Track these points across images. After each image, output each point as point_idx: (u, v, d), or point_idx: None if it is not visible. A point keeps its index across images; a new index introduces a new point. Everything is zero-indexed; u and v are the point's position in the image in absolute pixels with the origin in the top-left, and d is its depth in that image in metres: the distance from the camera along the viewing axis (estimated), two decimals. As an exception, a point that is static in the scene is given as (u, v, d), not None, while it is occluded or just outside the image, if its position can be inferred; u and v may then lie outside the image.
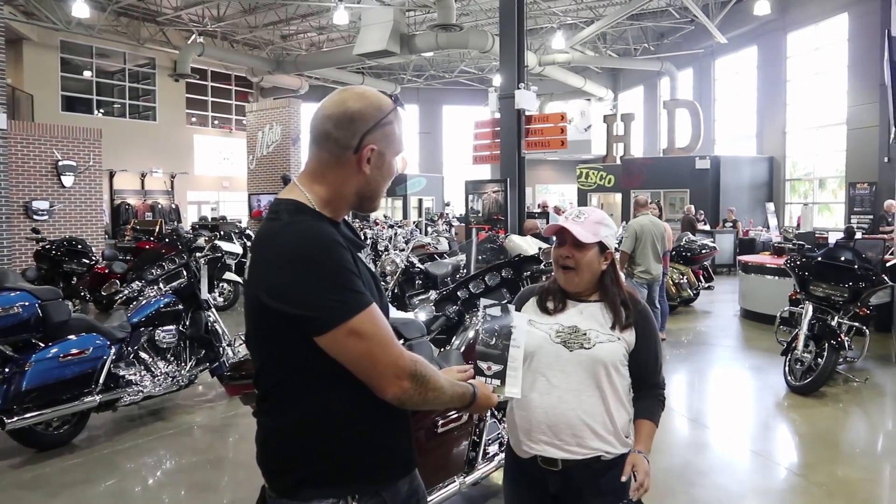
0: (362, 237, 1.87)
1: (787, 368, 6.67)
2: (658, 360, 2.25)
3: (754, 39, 21.72)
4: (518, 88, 10.22)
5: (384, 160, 1.70)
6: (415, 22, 23.47)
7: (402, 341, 3.35)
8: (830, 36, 19.30)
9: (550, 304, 2.23)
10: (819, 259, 7.06)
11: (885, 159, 15.41)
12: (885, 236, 10.29)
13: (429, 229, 17.17)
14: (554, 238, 2.23)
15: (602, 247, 2.19)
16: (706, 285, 11.69)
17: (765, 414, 6.39)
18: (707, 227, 16.42)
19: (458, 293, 4.63)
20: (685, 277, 11.10)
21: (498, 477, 4.26)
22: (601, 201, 23.58)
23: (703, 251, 11.69)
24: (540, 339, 2.16)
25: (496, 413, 4.08)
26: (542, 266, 4.69)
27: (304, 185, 1.68)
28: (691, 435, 5.85)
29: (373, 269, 1.77)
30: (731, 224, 17.30)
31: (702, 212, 17.68)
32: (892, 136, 8.21)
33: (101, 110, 24.24)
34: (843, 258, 6.98)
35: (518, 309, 2.24)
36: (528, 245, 7.82)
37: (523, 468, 2.21)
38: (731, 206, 18.48)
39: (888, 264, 8.11)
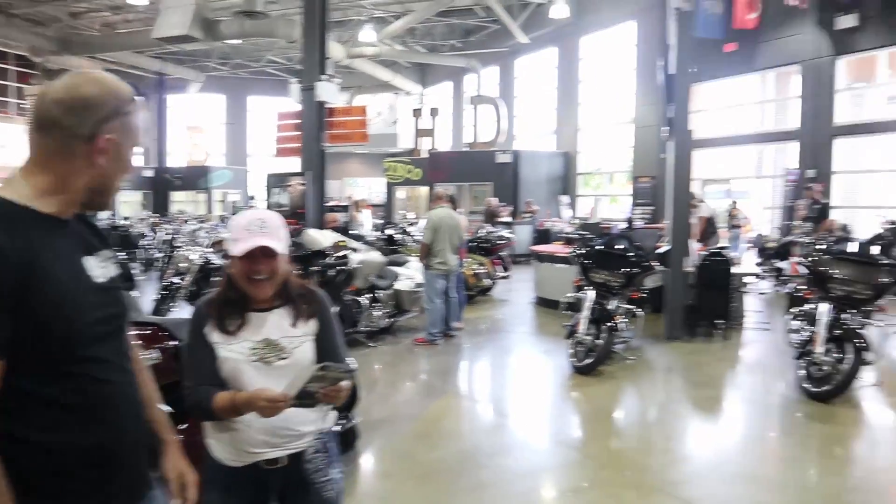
0: (105, 234, 1.66)
1: (570, 351, 7.10)
2: (341, 348, 2.26)
3: (553, 41, 22.96)
4: (319, 80, 10.06)
5: (121, 152, 1.56)
6: (220, 7, 22.42)
7: (175, 343, 3.18)
8: (621, 40, 20.87)
9: (231, 325, 2.12)
10: (598, 248, 7.60)
11: (661, 156, 16.87)
12: (660, 226, 11.28)
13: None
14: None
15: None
16: (503, 274, 12.20)
17: (550, 395, 6.79)
18: (509, 219, 17.16)
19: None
20: (484, 267, 11.51)
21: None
22: (408, 194, 23.92)
23: (500, 242, 12.20)
24: (236, 363, 2.09)
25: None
26: (330, 260, 4.64)
27: (23, 175, 1.51)
28: (481, 419, 6.08)
29: (101, 273, 1.61)
30: (530, 215, 18.19)
31: (504, 203, 18.47)
32: (664, 134, 8.98)
33: None
34: (618, 247, 7.56)
35: (200, 330, 2.13)
36: (324, 239, 7.74)
37: (238, 477, 2.15)
38: (531, 198, 19.48)
39: (659, 251, 8.89)
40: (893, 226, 11.68)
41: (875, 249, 6.51)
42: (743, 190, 18.36)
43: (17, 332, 1.38)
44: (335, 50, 22.53)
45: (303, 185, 10.91)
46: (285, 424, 2.08)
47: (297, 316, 2.16)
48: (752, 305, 10.57)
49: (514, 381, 7.47)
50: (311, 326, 2.18)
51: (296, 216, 10.95)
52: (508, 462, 4.92)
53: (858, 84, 15.44)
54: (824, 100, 14.71)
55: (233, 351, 2.10)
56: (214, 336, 2.12)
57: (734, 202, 16.01)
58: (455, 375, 7.48)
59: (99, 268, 1.61)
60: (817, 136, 14.80)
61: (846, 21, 13.89)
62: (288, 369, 2.07)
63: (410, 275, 8.98)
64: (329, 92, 10.40)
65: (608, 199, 22.19)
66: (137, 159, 1.66)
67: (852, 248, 6.58)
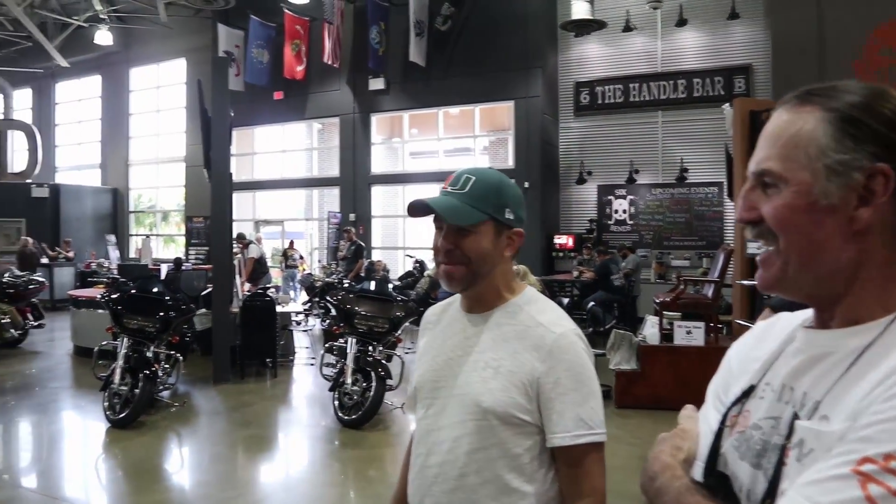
0: None
1: (106, 403, 6.53)
2: None
3: (98, 68, 21.39)
4: None
5: None
6: None
7: None
8: (171, 77, 20.32)
9: None
10: (132, 292, 7.16)
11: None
12: (209, 266, 11.14)
13: None
14: None
15: None
16: (35, 323, 10.80)
17: (84, 454, 6.13)
18: (45, 260, 15.32)
19: None
20: (8, 317, 10.03)
21: None
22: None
23: (31, 287, 10.78)
24: None
25: None
26: None
27: None
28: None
29: None
30: (63, 256, 16.45)
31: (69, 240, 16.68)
32: (206, 175, 8.92)
33: None
34: (153, 290, 7.23)
35: None
36: None
37: None
38: (75, 237, 17.69)
39: (206, 292, 8.76)
40: (419, 264, 13.41)
41: (392, 286, 7.34)
42: (297, 231, 19.26)
43: None
44: None
45: None
46: None
47: None
48: (301, 342, 11.04)
49: (44, 444, 6.54)
50: None
51: None
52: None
53: (394, 139, 17.47)
54: (361, 150, 16.30)
55: None
56: None
57: (291, 242, 16.68)
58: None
59: None
60: (357, 182, 16.30)
61: (376, 83, 15.72)
62: None
63: None
64: None
65: (163, 239, 21.28)
66: None
67: (372, 286, 7.35)
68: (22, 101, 23.55)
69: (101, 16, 18.55)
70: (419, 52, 14.88)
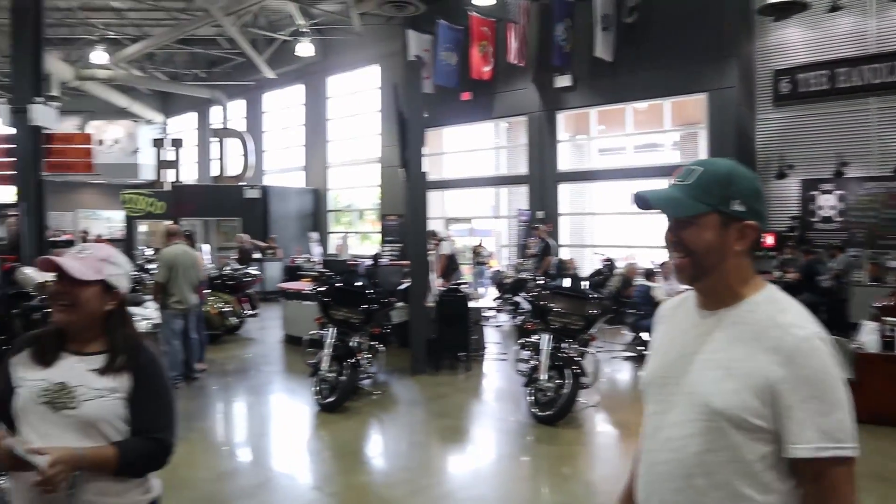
0: None
1: (315, 388, 7.02)
2: (162, 413, 2.04)
3: (301, 78, 22.98)
4: (34, 102, 9.03)
5: None
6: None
7: None
8: (366, 82, 21.45)
9: (44, 356, 1.98)
10: (338, 285, 7.63)
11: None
12: (404, 263, 11.62)
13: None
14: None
15: (107, 286, 2.02)
16: (251, 312, 11.81)
17: (295, 434, 6.63)
18: (258, 255, 16.70)
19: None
20: (230, 306, 11.06)
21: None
22: (151, 228, 22.37)
23: (247, 279, 11.81)
24: (25, 401, 1.92)
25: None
26: (33, 302, 4.14)
27: None
28: (221, 464, 5.75)
29: None
30: (272, 252, 17.81)
31: (275, 237, 18.21)
32: (401, 175, 9.31)
33: None
34: (357, 284, 7.65)
35: (8, 360, 2.01)
36: (41, 278, 6.92)
37: None
38: (281, 234, 19.17)
39: (402, 287, 9.14)
40: (609, 262, 13.15)
41: (586, 284, 7.23)
42: (486, 228, 19.62)
43: None
44: (61, 69, 20.68)
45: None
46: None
47: (106, 367, 1.95)
48: (492, 337, 11.22)
49: (260, 422, 7.19)
50: (120, 382, 1.97)
51: (16, 251, 9.72)
52: (247, 507, 4.70)
53: (579, 136, 17.30)
54: (548, 148, 16.27)
55: (27, 388, 1.93)
56: (20, 369, 1.99)
57: (480, 240, 17.02)
58: (197, 420, 7.00)
59: None
60: (544, 180, 16.29)
61: (562, 80, 15.60)
62: (73, 421, 1.89)
63: (147, 315, 8.36)
64: (46, 116, 9.34)
65: (359, 237, 22.52)
66: None
67: (567, 283, 7.29)
68: (236, 112, 25.92)
69: (303, 30, 19.93)
70: (606, 46, 14.59)
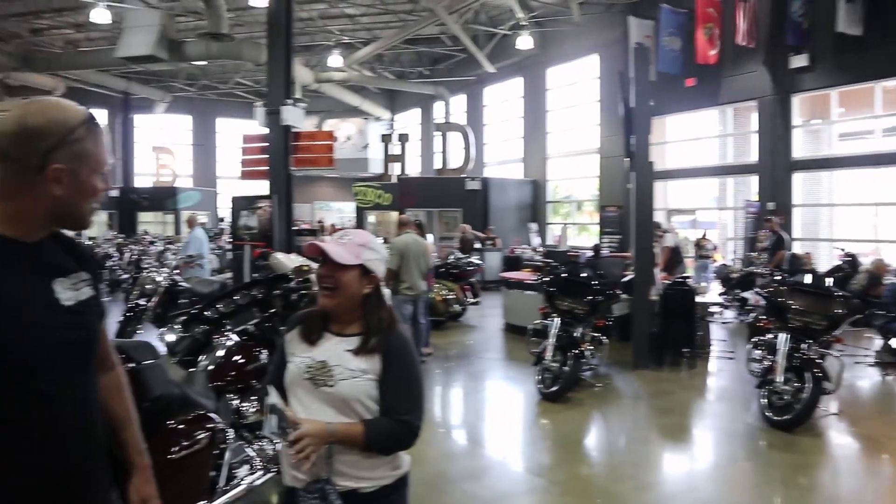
0: (88, 255, 1.70)
1: (538, 377, 7.12)
2: (409, 396, 2.13)
3: (520, 71, 23.29)
4: (285, 104, 10.06)
5: (78, 179, 1.56)
6: (185, 28, 22.37)
7: (131, 365, 3.09)
8: (585, 73, 21.27)
9: (310, 335, 2.18)
10: (563, 276, 7.66)
11: (628, 186, 17.17)
12: (626, 255, 11.41)
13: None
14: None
15: (365, 270, 2.15)
16: (473, 301, 12.21)
17: (517, 421, 6.79)
18: (478, 245, 17.20)
19: (207, 313, 4.41)
20: (453, 294, 11.52)
21: (262, 499, 4.11)
22: (379, 219, 23.92)
23: (470, 268, 12.23)
24: (292, 375, 2.13)
25: (246, 435, 3.93)
26: (291, 284, 4.61)
27: None
28: (448, 445, 6.05)
29: (72, 296, 1.61)
30: (490, 242, 18.20)
31: (493, 227, 18.73)
32: (626, 165, 9.13)
33: None
34: (582, 275, 7.64)
35: (283, 336, 2.25)
36: (291, 263, 7.69)
37: (287, 498, 2.15)
38: (500, 225, 19.58)
39: (624, 279, 8.99)
40: (850, 258, 11.96)
41: (829, 281, 6.65)
42: (709, 220, 18.69)
43: None
44: (303, 74, 22.58)
45: (272, 208, 10.86)
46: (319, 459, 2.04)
47: (360, 348, 2.12)
48: (717, 334, 10.70)
49: (481, 407, 7.46)
50: (372, 364, 2.09)
51: (266, 239, 10.90)
52: (475, 488, 4.91)
53: (814, 121, 15.90)
54: (781, 135, 15.10)
55: (295, 364, 2.14)
56: (293, 346, 2.20)
57: (704, 232, 16.26)
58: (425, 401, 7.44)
59: (68, 290, 1.61)
60: (776, 169, 15.16)
61: (798, 61, 14.36)
62: (331, 398, 2.06)
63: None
64: (295, 116, 10.39)
65: (577, 228, 22.44)
66: (106, 180, 1.69)
67: (808, 279, 6.75)
68: (457, 106, 26.87)
69: (522, 23, 20.17)
70: (851, 19, 13.17)
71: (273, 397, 2.05)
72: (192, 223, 12.26)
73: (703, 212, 19.04)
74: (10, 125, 1.50)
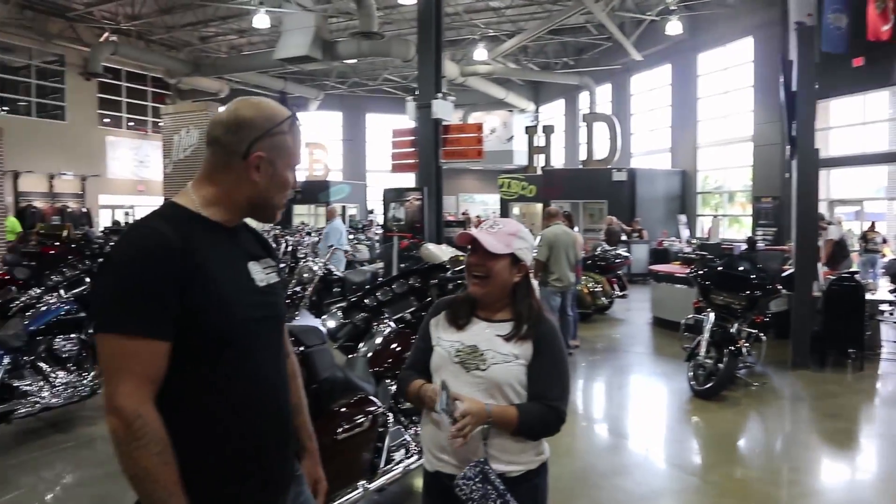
0: (272, 246, 1.89)
1: (690, 373, 6.93)
2: (558, 382, 2.17)
3: (668, 58, 22.53)
4: (435, 98, 10.31)
5: (274, 169, 1.72)
6: (337, 28, 23.38)
7: (300, 349, 3.33)
8: (737, 57, 20.25)
9: (458, 320, 2.23)
10: (719, 269, 7.38)
11: (787, 175, 16.20)
12: (784, 248, 10.81)
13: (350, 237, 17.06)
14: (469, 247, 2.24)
15: (515, 259, 2.19)
16: (620, 294, 12.01)
17: (668, 418, 6.63)
18: (624, 237, 16.88)
19: (366, 301, 4.64)
20: (600, 286, 11.39)
21: (411, 483, 4.30)
22: (523, 210, 23.95)
23: (617, 261, 12.04)
24: (441, 359, 2.19)
25: (402, 419, 4.11)
26: (448, 274, 4.75)
27: (193, 187, 1.72)
28: (596, 439, 6.02)
29: (263, 278, 1.77)
30: (636, 234, 17.77)
31: (638, 219, 18.41)
32: (788, 153, 8.64)
33: (5, 108, 23.05)
34: (740, 268, 7.32)
35: (428, 321, 2.32)
36: (442, 253, 7.90)
37: (432, 482, 2.23)
38: (647, 217, 19.08)
39: (784, 274, 8.53)
40: None
41: None
42: (878, 212, 17.29)
43: (178, 320, 1.53)
44: (449, 68, 22.97)
45: (419, 200, 11.18)
46: (466, 445, 2.06)
47: (514, 328, 2.17)
48: (889, 335, 9.91)
49: (631, 402, 7.33)
50: (523, 350, 2.13)
51: (413, 230, 11.25)
52: (626, 483, 4.86)
53: None
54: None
55: (443, 348, 2.21)
56: (439, 330, 2.27)
57: (872, 224, 15.09)
58: (571, 394, 7.42)
59: (261, 273, 1.78)
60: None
61: None
62: (482, 382, 2.11)
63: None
64: (444, 109, 10.64)
65: (727, 220, 21.45)
66: (297, 176, 1.86)
67: None
68: (602, 96, 26.38)
69: (671, 7, 19.49)
70: None
71: (443, 374, 2.14)
72: (331, 215, 12.80)
73: (871, 202, 17.62)
74: (224, 115, 1.70)
